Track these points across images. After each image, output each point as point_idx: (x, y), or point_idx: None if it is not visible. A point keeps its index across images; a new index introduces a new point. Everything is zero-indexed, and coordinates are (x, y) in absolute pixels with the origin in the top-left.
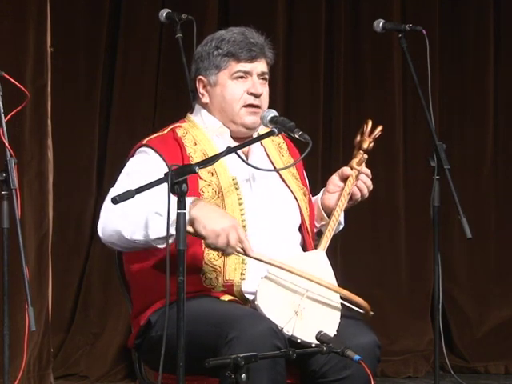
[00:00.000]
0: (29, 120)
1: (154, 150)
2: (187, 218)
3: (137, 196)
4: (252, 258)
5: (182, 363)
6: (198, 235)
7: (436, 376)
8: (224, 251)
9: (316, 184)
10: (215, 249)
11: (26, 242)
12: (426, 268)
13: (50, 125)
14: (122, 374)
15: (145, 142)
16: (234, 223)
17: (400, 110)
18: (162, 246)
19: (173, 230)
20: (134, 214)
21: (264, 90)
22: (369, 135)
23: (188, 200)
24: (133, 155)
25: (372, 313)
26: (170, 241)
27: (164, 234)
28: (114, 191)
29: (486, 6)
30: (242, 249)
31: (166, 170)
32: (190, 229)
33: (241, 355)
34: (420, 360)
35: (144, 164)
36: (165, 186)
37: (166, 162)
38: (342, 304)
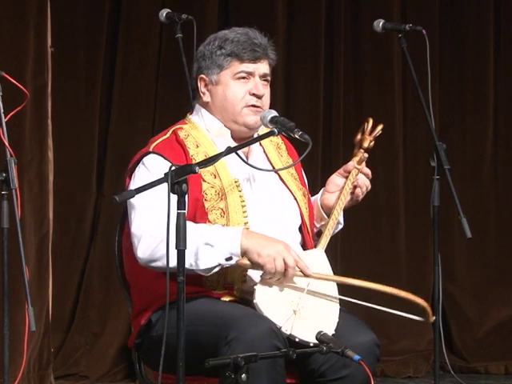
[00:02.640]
0: (29, 120)
1: (163, 156)
2: (239, 250)
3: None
4: (312, 277)
5: (182, 363)
6: (254, 265)
7: (436, 376)
8: (283, 275)
9: (316, 184)
10: (273, 276)
11: (26, 241)
12: (426, 268)
13: (50, 125)
14: (122, 374)
15: (151, 148)
16: (286, 245)
17: (400, 109)
18: (207, 274)
19: (222, 260)
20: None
21: (266, 91)
22: (369, 134)
23: (238, 230)
24: (140, 161)
25: (434, 317)
26: (217, 269)
27: (213, 264)
28: (135, 221)
29: (486, 6)
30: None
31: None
32: (245, 261)
33: (241, 355)
34: (420, 360)
35: (156, 175)
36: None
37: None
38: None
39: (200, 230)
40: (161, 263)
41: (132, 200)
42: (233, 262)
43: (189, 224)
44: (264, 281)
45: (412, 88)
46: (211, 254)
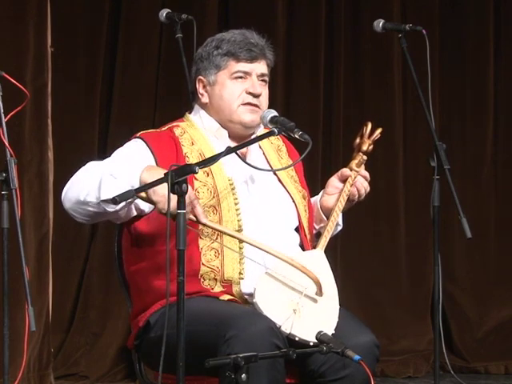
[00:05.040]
0: (29, 120)
1: (146, 142)
2: (138, 182)
3: (93, 163)
4: (203, 224)
5: (182, 363)
6: (148, 200)
7: (436, 376)
8: (175, 217)
9: (316, 184)
10: (165, 215)
11: (26, 241)
12: (426, 268)
13: (50, 125)
14: (122, 374)
15: (139, 134)
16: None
17: (400, 109)
18: (111, 210)
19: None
20: (90, 176)
21: (263, 90)
22: (368, 137)
23: (142, 166)
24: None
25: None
26: (121, 205)
27: (113, 195)
28: (91, 164)
29: (486, 6)
30: (194, 216)
31: (153, 162)
32: (142, 193)
33: (241, 355)
34: (420, 360)
35: (131, 151)
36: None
37: (155, 156)
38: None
39: (109, 164)
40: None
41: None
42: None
43: (102, 162)
44: (264, 279)
45: (412, 88)
46: (113, 185)
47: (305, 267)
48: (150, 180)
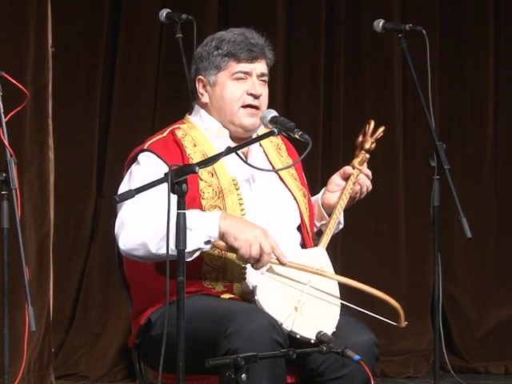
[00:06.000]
0: (29, 120)
1: (155, 154)
2: (217, 233)
3: (160, 207)
4: (287, 265)
5: (182, 363)
6: (229, 248)
7: (436, 376)
8: (258, 261)
9: (316, 184)
10: (248, 260)
11: (26, 241)
12: (425, 268)
13: (50, 125)
14: (122, 374)
15: (146, 146)
16: (264, 231)
17: (400, 109)
18: (188, 259)
19: (201, 244)
20: (160, 227)
21: (263, 90)
22: (371, 135)
23: (216, 214)
24: (134, 160)
25: (406, 323)
26: (197, 253)
27: (192, 248)
28: (124, 206)
29: (486, 6)
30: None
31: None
32: (221, 243)
33: (241, 355)
34: (420, 360)
35: (148, 172)
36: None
37: (167, 164)
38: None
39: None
40: (142, 252)
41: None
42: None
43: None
44: (266, 276)
45: (412, 88)
46: (190, 237)
47: (384, 294)
48: (231, 230)
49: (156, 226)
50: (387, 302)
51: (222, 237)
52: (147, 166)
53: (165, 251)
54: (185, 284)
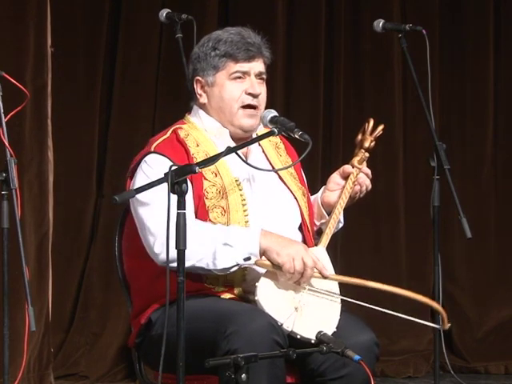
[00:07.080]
0: (29, 120)
1: (163, 155)
2: (258, 249)
3: (200, 223)
4: (330, 278)
5: (182, 363)
6: (273, 265)
7: (436, 376)
8: (302, 275)
9: (316, 184)
10: (292, 275)
11: (26, 241)
12: (426, 268)
13: (50, 125)
14: (122, 374)
15: (153, 148)
16: (304, 246)
17: (400, 109)
18: (223, 274)
19: (240, 260)
20: (201, 242)
21: (262, 89)
22: (370, 134)
23: (255, 231)
24: (141, 161)
25: (449, 324)
26: (235, 269)
27: (231, 264)
28: (151, 219)
29: (486, 6)
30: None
31: None
32: (265, 261)
33: (241, 355)
34: (420, 360)
35: (161, 174)
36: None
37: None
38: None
39: (217, 230)
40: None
41: (141, 197)
42: (251, 261)
43: (206, 225)
44: (266, 277)
45: (412, 88)
46: (230, 254)
47: (430, 299)
48: (272, 246)
49: (197, 240)
50: (429, 306)
51: (263, 253)
52: (157, 167)
53: (202, 265)
54: (185, 284)
